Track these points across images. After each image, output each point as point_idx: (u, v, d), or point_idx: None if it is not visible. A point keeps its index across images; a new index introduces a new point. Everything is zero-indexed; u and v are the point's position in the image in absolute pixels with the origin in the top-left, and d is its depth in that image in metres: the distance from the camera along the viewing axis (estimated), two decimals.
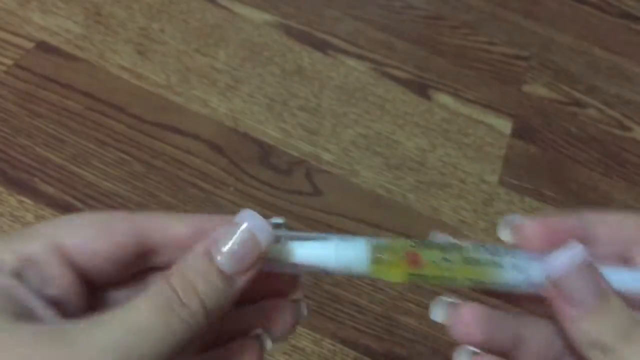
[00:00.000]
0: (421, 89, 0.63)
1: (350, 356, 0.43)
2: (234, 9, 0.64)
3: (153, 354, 0.17)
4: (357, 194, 0.52)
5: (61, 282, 0.19)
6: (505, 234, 0.22)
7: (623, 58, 0.74)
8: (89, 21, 0.58)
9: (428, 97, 0.62)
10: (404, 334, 0.44)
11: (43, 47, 0.55)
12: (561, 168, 0.60)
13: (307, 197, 0.51)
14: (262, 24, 0.64)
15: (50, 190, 0.46)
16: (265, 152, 0.53)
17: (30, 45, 0.54)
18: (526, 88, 0.67)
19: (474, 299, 0.22)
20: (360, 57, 0.64)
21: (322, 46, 0.64)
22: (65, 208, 0.45)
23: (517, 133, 0.62)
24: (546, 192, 0.57)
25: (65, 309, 0.19)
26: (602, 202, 0.58)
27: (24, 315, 0.17)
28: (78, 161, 0.48)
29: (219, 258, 0.19)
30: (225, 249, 0.19)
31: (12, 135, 0.48)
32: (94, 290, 0.21)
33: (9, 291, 0.18)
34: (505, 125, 0.62)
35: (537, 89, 0.67)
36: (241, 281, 0.19)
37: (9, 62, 0.53)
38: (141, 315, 0.17)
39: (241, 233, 0.19)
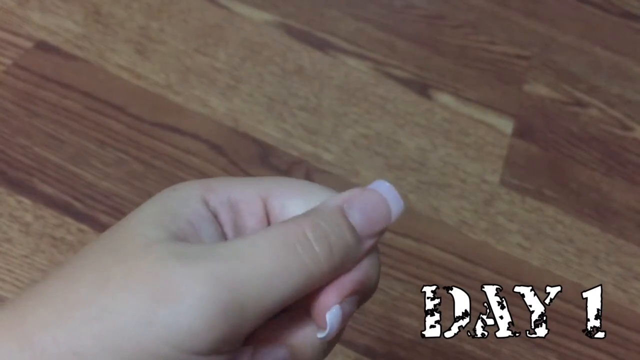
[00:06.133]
0: (422, 89, 0.63)
1: (351, 356, 0.42)
2: (234, 8, 0.64)
3: (262, 292, 0.16)
4: None
5: (250, 230, 0.20)
6: None
7: (625, 58, 0.74)
8: (88, 20, 0.58)
9: (429, 97, 0.62)
10: (404, 334, 0.44)
11: (42, 46, 0.54)
12: (562, 168, 0.60)
13: None
14: (262, 23, 0.64)
15: (49, 190, 0.45)
16: (265, 152, 0.53)
17: (29, 44, 0.54)
18: (527, 88, 0.67)
19: None
20: (360, 57, 0.64)
21: (322, 46, 0.63)
22: (64, 208, 0.45)
23: (518, 133, 0.61)
24: (547, 192, 0.57)
25: None
26: (604, 202, 0.57)
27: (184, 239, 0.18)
28: (77, 161, 0.48)
29: (352, 215, 0.18)
30: (359, 209, 0.19)
31: (11, 135, 0.48)
32: None
33: (195, 220, 0.18)
34: (506, 125, 0.62)
35: (539, 89, 0.67)
36: (367, 245, 0.19)
37: (8, 61, 0.53)
38: (259, 250, 0.17)
39: (377, 198, 0.19)
